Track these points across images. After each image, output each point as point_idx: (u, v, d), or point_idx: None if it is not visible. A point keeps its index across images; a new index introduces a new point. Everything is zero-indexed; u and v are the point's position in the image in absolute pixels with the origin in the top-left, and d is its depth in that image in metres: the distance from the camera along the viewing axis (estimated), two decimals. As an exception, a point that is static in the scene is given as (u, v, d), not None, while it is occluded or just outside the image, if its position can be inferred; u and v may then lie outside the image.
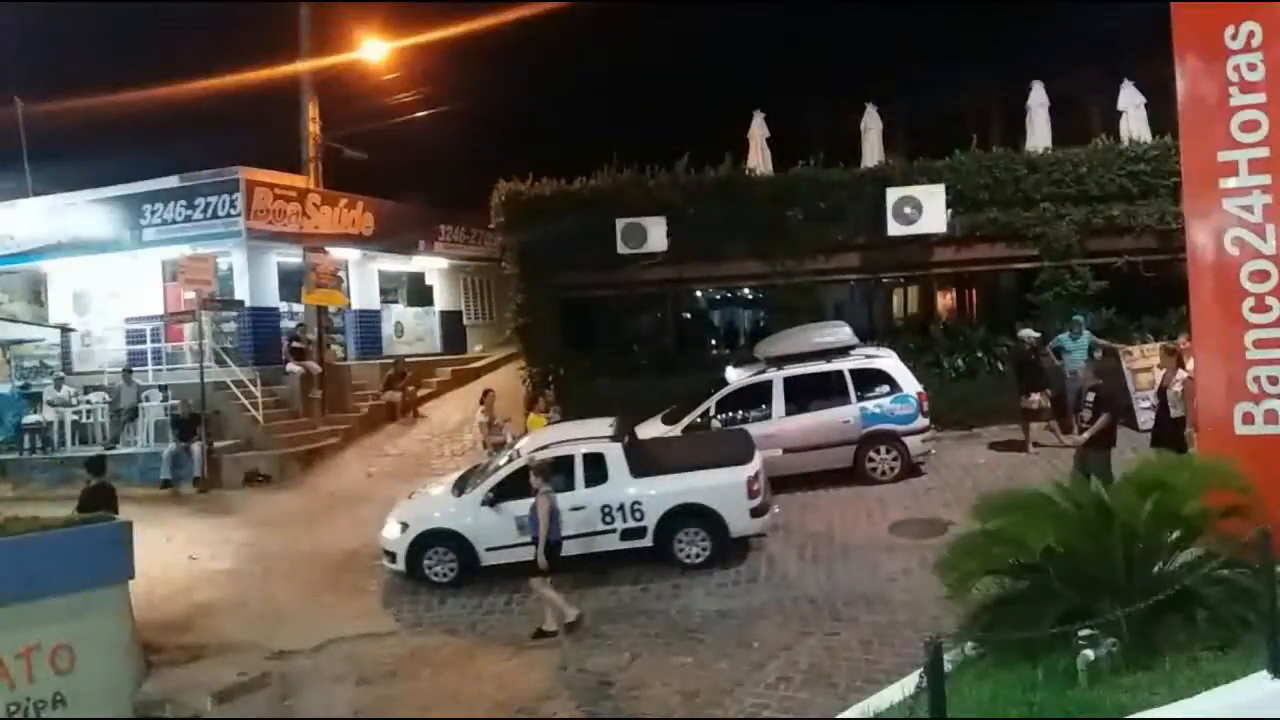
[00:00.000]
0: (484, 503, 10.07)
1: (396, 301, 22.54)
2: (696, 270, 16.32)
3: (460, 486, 10.75)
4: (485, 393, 14.50)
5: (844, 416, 12.30)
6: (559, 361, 15.70)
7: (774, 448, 11.80)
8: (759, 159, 16.57)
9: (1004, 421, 14.00)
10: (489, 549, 10.04)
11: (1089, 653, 4.83)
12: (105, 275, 18.78)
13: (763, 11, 21.52)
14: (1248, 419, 6.66)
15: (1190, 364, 8.25)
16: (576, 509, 9.73)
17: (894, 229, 14.74)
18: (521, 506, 9.28)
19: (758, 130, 16.80)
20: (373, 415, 17.89)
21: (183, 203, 17.46)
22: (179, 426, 14.95)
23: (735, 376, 12.94)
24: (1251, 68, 6.58)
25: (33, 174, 21.27)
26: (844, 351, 12.66)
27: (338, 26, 18.50)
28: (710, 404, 12.61)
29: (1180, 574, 5.38)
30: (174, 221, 17.53)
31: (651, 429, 12.49)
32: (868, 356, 12.81)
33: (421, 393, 19.15)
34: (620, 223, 14.98)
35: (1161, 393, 9.75)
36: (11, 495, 14.56)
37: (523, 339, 16.33)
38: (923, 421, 12.38)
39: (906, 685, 5.45)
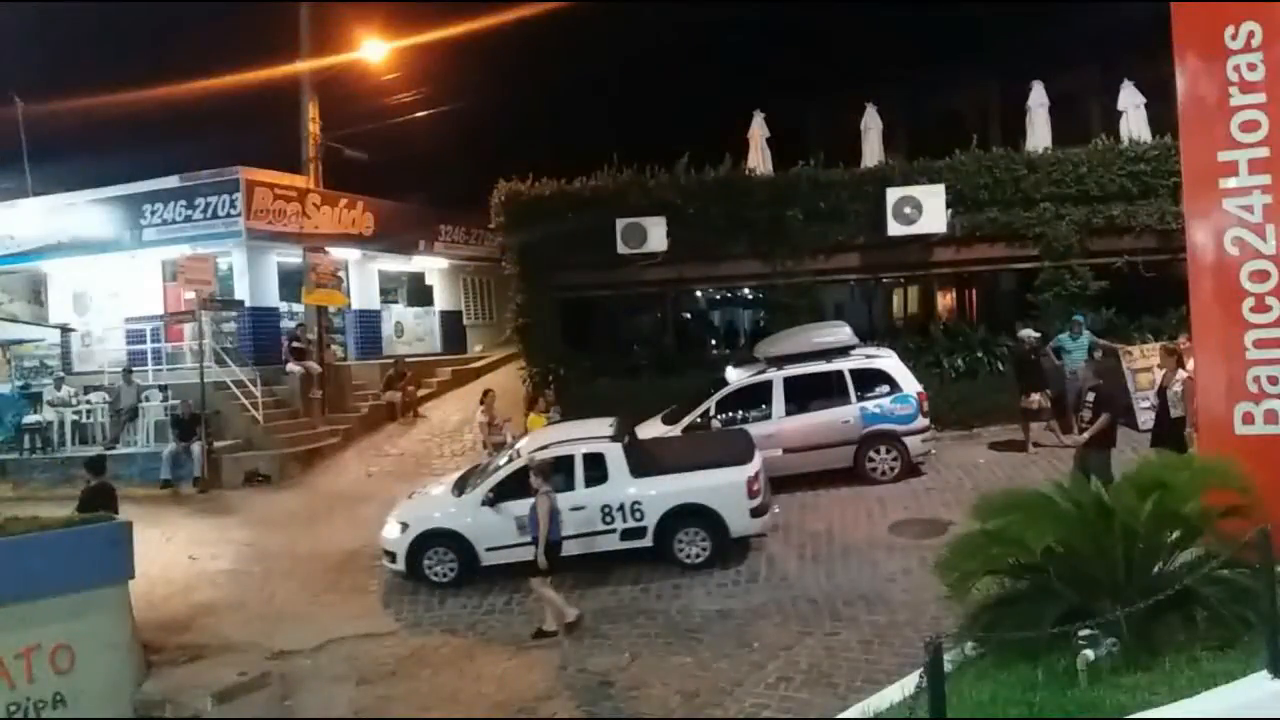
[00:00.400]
0: (484, 503, 10.07)
1: (396, 301, 22.56)
2: (696, 270, 16.33)
3: (460, 486, 10.74)
4: (485, 393, 14.52)
5: (844, 416, 12.30)
6: (559, 361, 15.70)
7: (774, 448, 11.81)
8: (759, 159, 16.57)
9: (1004, 421, 14.01)
10: (489, 549, 10.04)
11: (1089, 653, 4.83)
12: (105, 275, 18.79)
13: (763, 11, 21.53)
14: (1248, 419, 6.66)
15: (1190, 364, 8.25)
16: (576, 509, 9.73)
17: (894, 229, 14.75)
18: (521, 506, 9.28)
19: (758, 130, 16.80)
20: (373, 415, 17.89)
21: (183, 203, 17.46)
22: (179, 426, 14.95)
23: (735, 376, 12.94)
24: (1251, 68, 6.58)
25: (33, 174, 21.27)
26: (844, 351, 12.66)
27: (338, 26, 18.51)
28: (710, 404, 12.61)
29: (1180, 574, 5.38)
30: (174, 221, 17.53)
31: (651, 429, 12.49)
32: (868, 356, 12.81)
33: (421, 393, 19.15)
34: (620, 223, 14.99)
35: (1161, 393, 9.75)
36: (11, 495, 14.57)
37: (523, 339, 16.33)
38: (923, 421, 12.38)
39: (906, 685, 5.44)
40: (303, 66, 18.33)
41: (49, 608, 7.86)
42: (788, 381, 12.41)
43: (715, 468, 10.16)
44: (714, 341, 24.51)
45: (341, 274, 19.06)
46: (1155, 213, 14.79)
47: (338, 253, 19.02)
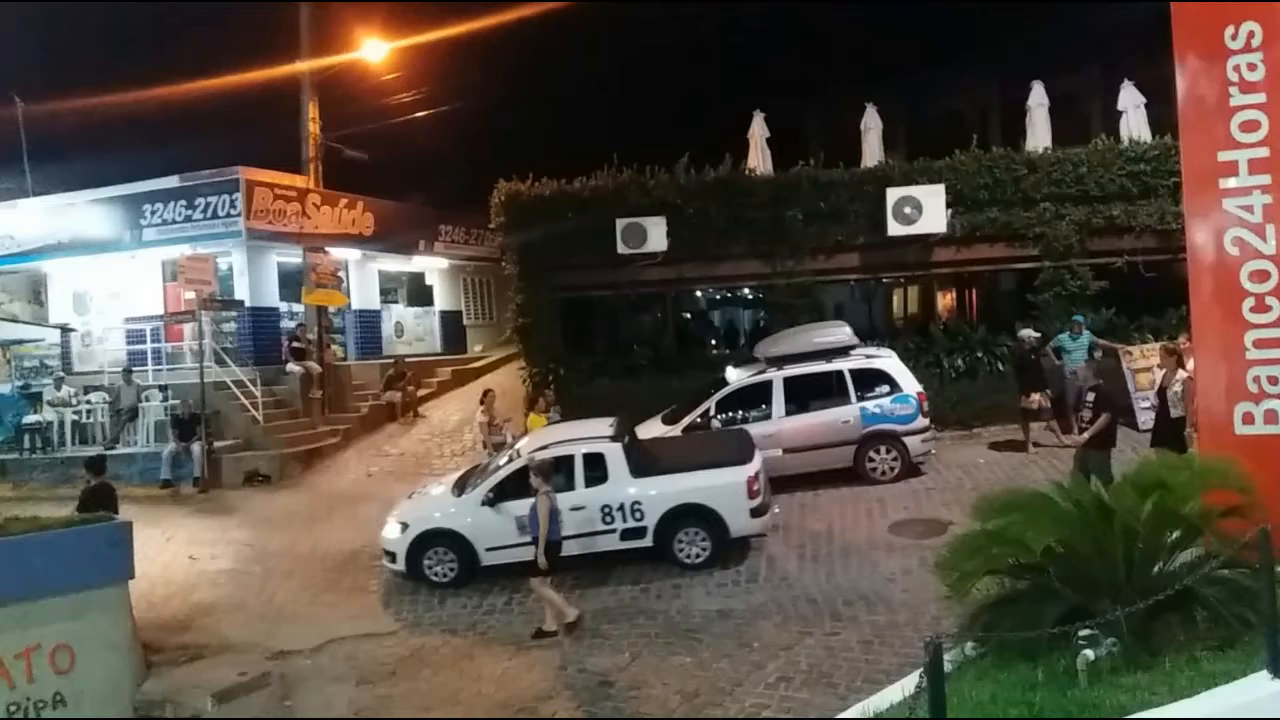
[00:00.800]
0: (484, 503, 10.07)
1: (396, 301, 22.56)
2: (696, 270, 16.33)
3: (460, 486, 10.74)
4: (485, 393, 14.53)
5: (844, 416, 12.30)
6: (559, 361, 15.71)
7: (774, 448, 11.82)
8: (759, 159, 16.58)
9: (1004, 421, 14.02)
10: (489, 549, 10.03)
11: (1089, 653, 4.82)
12: (105, 275, 18.79)
13: (763, 11, 21.54)
14: (1248, 419, 6.65)
15: (1190, 364, 8.25)
16: (576, 509, 9.73)
17: (894, 229, 14.75)
18: (521, 506, 9.29)
19: (758, 130, 16.81)
20: (373, 415, 17.89)
21: (183, 203, 17.46)
22: (179, 426, 14.95)
23: (735, 376, 12.94)
24: (1251, 68, 6.57)
25: (33, 174, 21.29)
26: (844, 352, 12.66)
27: (338, 26, 18.52)
28: (710, 404, 12.61)
29: (1180, 574, 5.38)
30: (174, 221, 17.53)
31: (651, 429, 12.49)
32: (868, 356, 12.81)
33: (421, 393, 19.15)
34: (620, 223, 15.00)
35: (1161, 393, 9.76)
36: (11, 495, 14.57)
37: (523, 339, 16.34)
38: (923, 421, 12.38)
39: (906, 685, 5.44)
40: (303, 66, 18.33)
41: (49, 608, 7.85)
42: (788, 381, 12.41)
43: (715, 468, 10.16)
44: (714, 341, 24.51)
45: (341, 274, 19.06)
46: (1155, 213, 14.80)
47: (338, 253, 19.02)
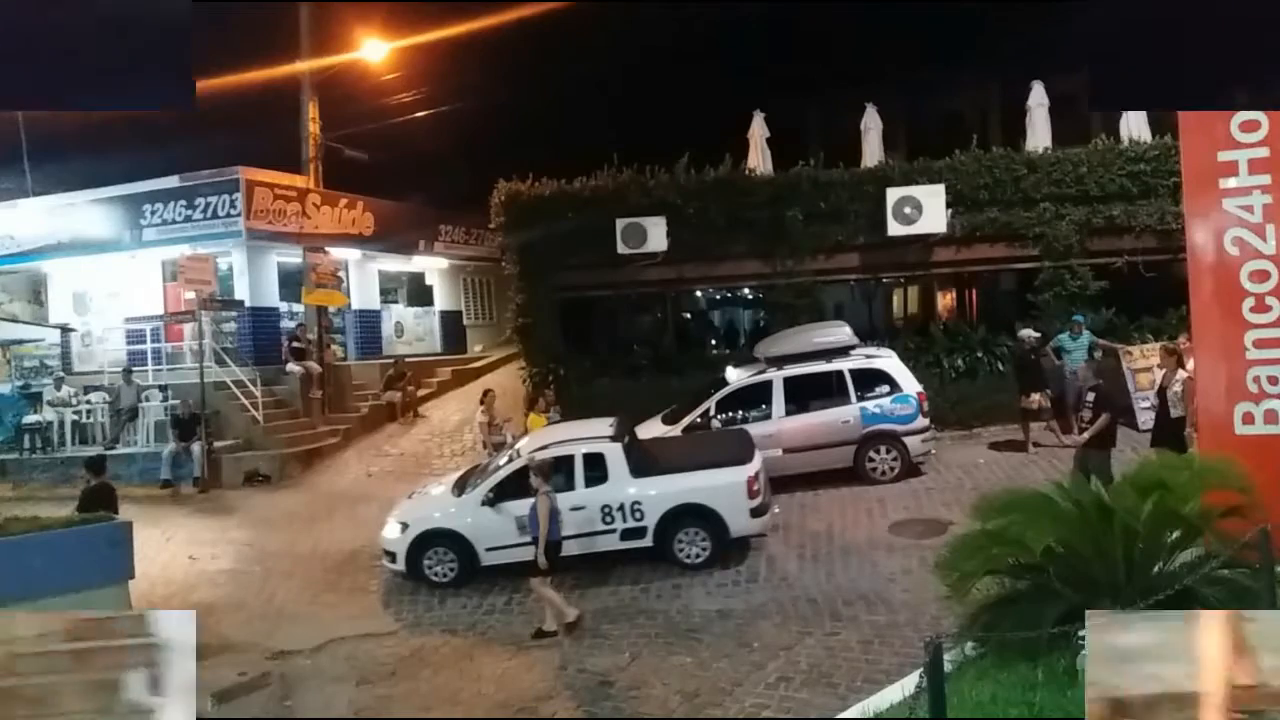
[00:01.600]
0: (484, 503, 10.07)
1: (396, 301, 22.58)
2: (696, 270, 16.33)
3: (460, 486, 10.74)
4: (485, 393, 14.53)
5: (844, 416, 12.30)
6: (559, 361, 15.72)
7: (774, 448, 11.82)
8: (759, 159, 16.60)
9: (1004, 421, 14.02)
10: (489, 549, 10.03)
11: (1089, 653, 4.82)
12: (105, 275, 18.80)
13: (763, 11, 21.54)
14: (1248, 419, 6.66)
15: (1190, 364, 8.25)
16: (576, 509, 9.73)
17: (894, 229, 14.75)
18: (521, 506, 9.29)
19: (758, 130, 16.83)
20: (373, 415, 17.89)
21: (183, 203, 17.48)
22: (179, 426, 14.96)
23: (735, 376, 12.94)
24: (1252, 68, 6.58)
25: (33, 174, 21.26)
26: (844, 352, 12.66)
27: (338, 26, 18.53)
28: (710, 404, 12.61)
29: (1180, 574, 5.38)
30: (174, 221, 17.54)
31: (651, 429, 12.49)
32: (868, 356, 12.80)
33: (421, 393, 19.15)
34: (620, 223, 15.01)
35: (1161, 393, 9.77)
36: (11, 495, 14.57)
37: (523, 339, 16.35)
38: (923, 421, 12.38)
39: (906, 685, 5.45)
40: (303, 66, 18.34)
41: (49, 608, 7.83)
42: (788, 381, 12.41)
43: (715, 468, 10.16)
44: (714, 341, 24.50)
45: (341, 274, 19.07)
46: (1155, 213, 14.79)
47: (338, 253, 19.03)
